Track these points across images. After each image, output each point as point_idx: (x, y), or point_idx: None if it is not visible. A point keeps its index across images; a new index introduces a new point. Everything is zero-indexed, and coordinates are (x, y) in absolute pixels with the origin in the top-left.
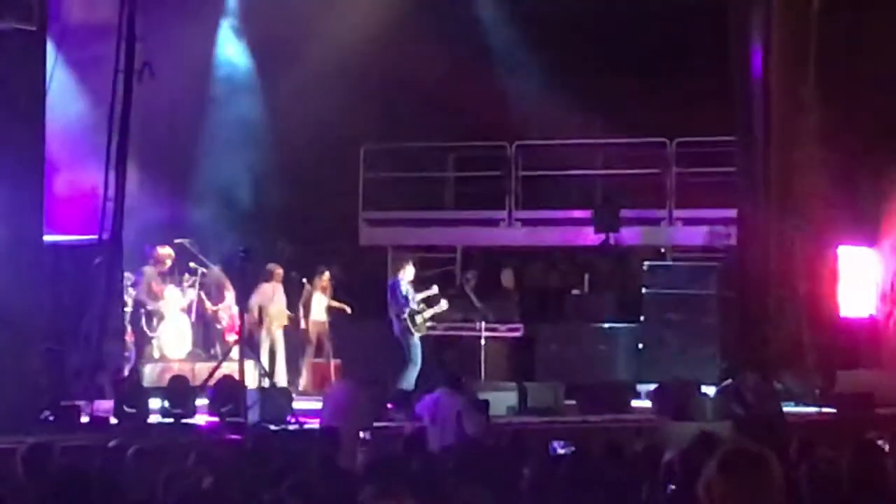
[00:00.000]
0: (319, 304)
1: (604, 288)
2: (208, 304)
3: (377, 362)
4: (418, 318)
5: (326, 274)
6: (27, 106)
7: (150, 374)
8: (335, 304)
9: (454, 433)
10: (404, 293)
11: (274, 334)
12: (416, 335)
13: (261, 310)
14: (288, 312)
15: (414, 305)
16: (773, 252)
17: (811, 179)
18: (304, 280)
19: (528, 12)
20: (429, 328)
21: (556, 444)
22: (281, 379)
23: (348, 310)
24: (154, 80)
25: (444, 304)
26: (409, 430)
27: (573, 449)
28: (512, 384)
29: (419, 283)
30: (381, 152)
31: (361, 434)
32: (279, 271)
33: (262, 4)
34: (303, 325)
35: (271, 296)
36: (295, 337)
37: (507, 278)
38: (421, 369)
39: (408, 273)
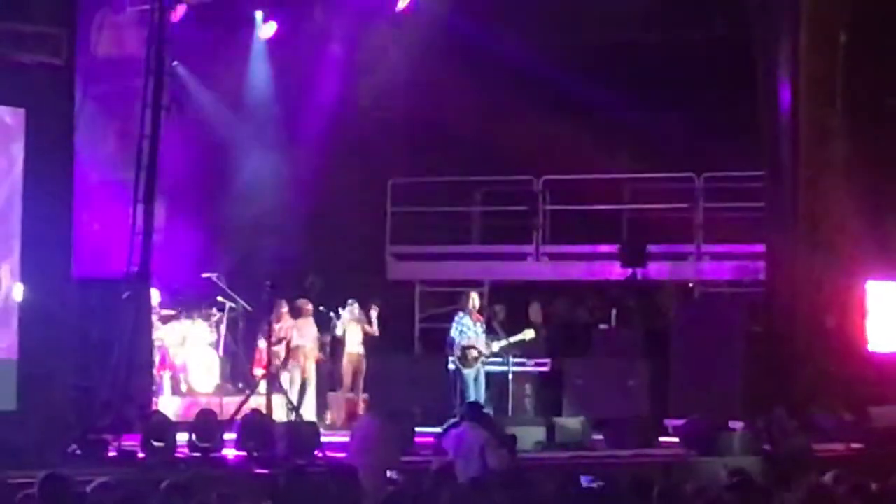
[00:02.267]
0: (353, 338)
1: (631, 323)
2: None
3: (405, 396)
4: (470, 353)
5: (355, 305)
6: (56, 140)
7: (177, 408)
8: (369, 329)
9: (478, 467)
10: (456, 326)
11: (305, 369)
12: (465, 369)
13: (288, 344)
14: (316, 347)
15: (464, 339)
16: (801, 287)
17: (839, 213)
18: (332, 314)
19: (556, 46)
20: (485, 362)
21: (584, 478)
22: (309, 413)
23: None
24: (182, 115)
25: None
26: (437, 464)
27: (601, 484)
28: (540, 419)
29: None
30: (409, 186)
31: (389, 473)
32: (308, 307)
33: (289, 42)
34: (337, 358)
35: (300, 331)
36: (325, 371)
37: (534, 313)
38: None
39: (470, 303)
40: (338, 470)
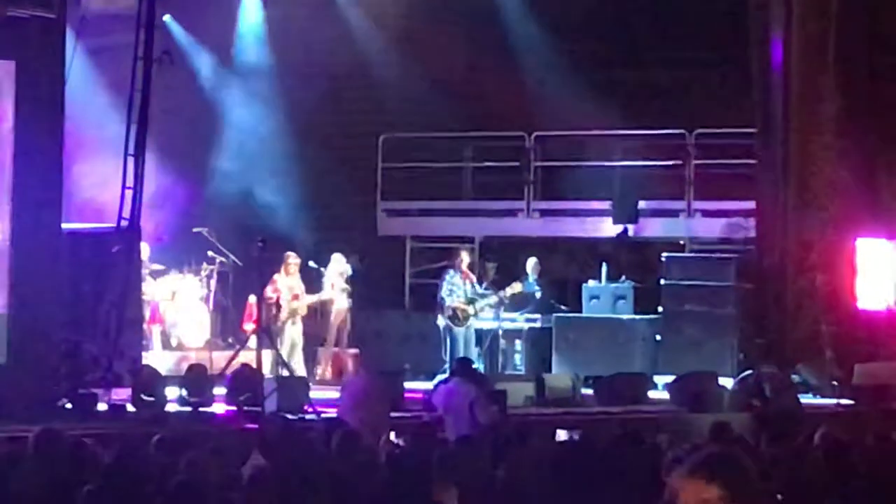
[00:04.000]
0: (338, 294)
1: (622, 279)
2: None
3: (396, 352)
4: (458, 313)
5: (335, 256)
6: (47, 94)
7: (167, 362)
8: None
9: (467, 423)
10: (446, 285)
11: (293, 324)
12: (455, 328)
13: (278, 300)
14: (307, 302)
15: (453, 298)
16: (792, 244)
17: (830, 171)
18: (323, 270)
19: (548, 2)
20: (476, 317)
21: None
22: (298, 368)
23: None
24: (173, 68)
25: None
26: (426, 419)
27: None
28: (529, 375)
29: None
30: (400, 142)
31: (394, 438)
32: (297, 261)
33: None
34: (324, 314)
35: (289, 286)
36: (312, 326)
37: (532, 267)
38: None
39: (460, 261)
40: (328, 425)
